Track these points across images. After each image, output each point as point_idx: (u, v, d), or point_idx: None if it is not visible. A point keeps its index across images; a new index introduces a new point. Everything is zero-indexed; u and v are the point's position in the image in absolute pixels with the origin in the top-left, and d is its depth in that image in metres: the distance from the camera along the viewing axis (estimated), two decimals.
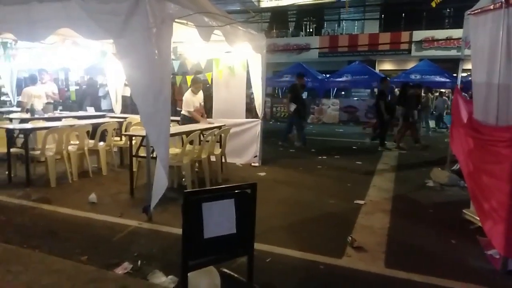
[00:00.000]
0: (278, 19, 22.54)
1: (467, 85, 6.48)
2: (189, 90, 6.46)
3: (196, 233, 2.40)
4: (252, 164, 6.80)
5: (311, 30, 22.51)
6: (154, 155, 3.94)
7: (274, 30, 22.47)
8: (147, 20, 3.52)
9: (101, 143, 6.05)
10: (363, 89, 19.12)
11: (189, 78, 6.72)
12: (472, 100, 4.03)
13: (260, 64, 6.50)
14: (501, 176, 3.04)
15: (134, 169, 5.06)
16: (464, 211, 4.10)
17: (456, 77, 5.14)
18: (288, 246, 3.43)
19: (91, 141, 5.94)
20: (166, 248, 3.31)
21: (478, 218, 3.62)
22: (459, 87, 4.92)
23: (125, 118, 7.19)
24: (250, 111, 8.48)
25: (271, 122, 16.37)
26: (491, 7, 3.51)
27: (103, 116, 7.75)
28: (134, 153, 4.86)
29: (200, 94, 6.49)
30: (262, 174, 6.25)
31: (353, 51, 18.77)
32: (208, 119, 6.60)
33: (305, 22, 22.67)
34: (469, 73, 6.99)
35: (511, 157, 2.89)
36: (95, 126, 5.97)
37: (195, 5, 4.43)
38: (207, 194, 2.48)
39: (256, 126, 6.78)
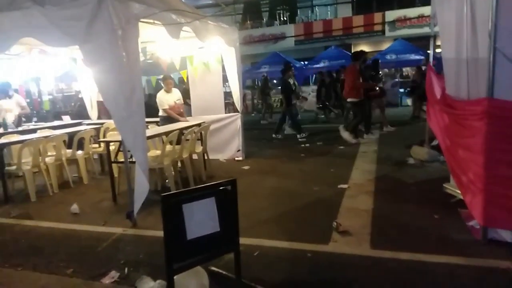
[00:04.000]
0: (251, 10, 22.37)
1: (439, 62, 6.56)
2: (162, 89, 6.37)
3: (179, 235, 2.38)
4: (236, 158, 6.79)
5: (285, 18, 22.44)
6: (133, 160, 3.89)
7: (248, 22, 22.31)
8: (111, 22, 3.44)
9: (80, 152, 5.92)
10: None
11: (153, 79, 6.65)
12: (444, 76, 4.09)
13: (234, 57, 6.44)
14: (475, 149, 3.10)
15: (115, 175, 4.98)
16: (444, 185, 4.18)
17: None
18: (275, 237, 3.44)
19: (69, 151, 5.81)
20: (152, 253, 3.27)
21: (458, 191, 3.70)
22: (431, 64, 4.98)
23: (102, 124, 7.05)
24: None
25: (253, 115, 16.35)
26: None
27: (79, 124, 7.58)
28: (113, 159, 4.77)
29: (175, 92, 6.38)
30: (247, 167, 6.24)
31: (328, 36, 18.80)
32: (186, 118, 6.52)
33: (278, 11, 22.58)
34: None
35: (484, 130, 2.94)
36: (71, 135, 5.84)
37: (162, 3, 4.34)
38: (186, 195, 2.44)
39: (236, 120, 6.74)
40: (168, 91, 6.26)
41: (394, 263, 2.86)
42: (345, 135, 7.81)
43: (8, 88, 7.26)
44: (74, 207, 4.48)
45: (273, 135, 9.29)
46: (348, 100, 7.88)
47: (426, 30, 16.64)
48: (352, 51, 19.62)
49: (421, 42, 15.87)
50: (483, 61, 2.96)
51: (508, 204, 2.92)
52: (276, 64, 16.80)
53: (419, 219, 3.66)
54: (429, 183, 4.73)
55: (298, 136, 8.80)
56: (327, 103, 12.35)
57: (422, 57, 14.61)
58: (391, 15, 18.01)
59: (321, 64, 16.64)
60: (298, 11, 22.16)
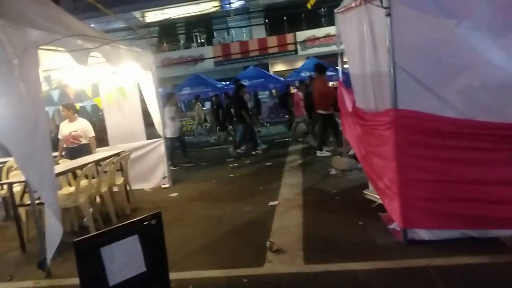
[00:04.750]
0: (167, 33, 22.18)
1: (348, 77, 7.08)
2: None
3: (99, 282, 2.13)
4: (162, 186, 6.48)
5: (202, 40, 22.66)
6: (42, 201, 3.45)
7: (165, 44, 22.04)
8: (4, 51, 3.07)
9: None
10: (261, 91, 19.84)
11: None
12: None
13: (151, 81, 6.21)
14: (387, 156, 3.35)
15: (23, 219, 4.39)
16: (364, 191, 4.44)
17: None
18: (209, 267, 3.29)
19: None
20: None
21: (377, 197, 3.95)
22: (341, 79, 5.35)
23: (3, 163, 6.22)
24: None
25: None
26: (353, 4, 3.86)
27: None
28: (18, 202, 4.20)
29: (79, 121, 5.84)
30: (174, 194, 5.98)
31: (246, 57, 19.44)
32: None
33: (195, 34, 22.73)
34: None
35: (393, 138, 3.19)
36: None
37: (65, 28, 4.03)
38: (104, 237, 2.21)
39: (159, 146, 6.47)
40: (71, 120, 5.77)
41: (326, 276, 2.91)
42: (322, 154, 7.62)
43: None
44: None
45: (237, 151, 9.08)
46: (319, 112, 7.55)
47: (333, 48, 18.05)
48: (270, 70, 20.54)
49: (331, 59, 17.16)
50: (385, 75, 3.23)
51: (421, 205, 3.18)
52: (198, 86, 16.77)
53: (346, 228, 3.81)
54: (351, 191, 5.00)
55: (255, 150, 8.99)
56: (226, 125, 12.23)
57: (333, 73, 15.78)
58: (302, 35, 19.30)
59: (247, 83, 16.90)
60: (215, 33, 22.55)
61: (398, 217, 3.27)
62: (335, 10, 4.57)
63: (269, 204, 4.85)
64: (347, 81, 5.42)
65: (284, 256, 3.32)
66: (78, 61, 3.94)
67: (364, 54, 3.79)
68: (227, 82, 18.32)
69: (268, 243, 3.51)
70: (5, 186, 5.26)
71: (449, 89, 3.04)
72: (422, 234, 3.23)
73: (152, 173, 6.53)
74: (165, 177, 6.51)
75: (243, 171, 7.27)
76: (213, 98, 13.81)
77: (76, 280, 3.21)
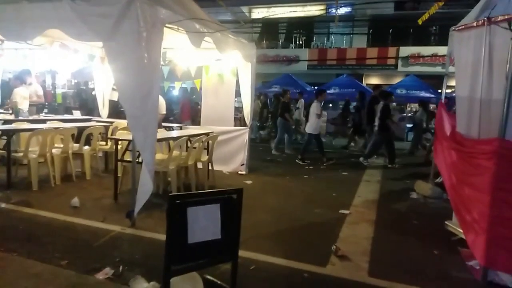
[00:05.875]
0: (269, 31, 22.80)
1: (450, 101, 6.66)
2: None
3: (180, 237, 2.37)
4: (239, 172, 6.79)
5: (300, 42, 22.85)
6: (140, 160, 3.91)
7: (265, 41, 22.71)
8: (137, 24, 3.52)
9: (86, 147, 5.96)
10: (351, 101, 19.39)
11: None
12: (455, 114, 4.14)
13: (249, 72, 6.54)
14: (482, 188, 3.11)
15: (119, 174, 5.00)
16: (446, 222, 4.16)
17: (441, 92, 5.26)
18: (273, 254, 3.41)
19: (76, 145, 5.85)
20: (148, 254, 3.25)
21: (460, 230, 3.68)
22: (443, 102, 5.04)
23: (111, 122, 7.11)
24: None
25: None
26: (474, 24, 3.63)
27: (89, 120, 7.65)
28: (119, 158, 4.79)
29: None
30: (249, 182, 6.24)
31: (341, 64, 19.12)
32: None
33: (295, 35, 23.01)
34: (453, 90, 7.17)
35: (492, 169, 2.96)
36: (81, 130, 5.89)
37: (187, 11, 4.47)
38: (192, 198, 2.45)
39: (244, 135, 6.79)
40: None
41: None
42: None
43: (27, 76, 7.35)
44: (75, 201, 4.48)
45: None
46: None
47: (438, 69, 16.97)
48: (364, 82, 19.94)
49: (432, 80, 16.09)
50: (497, 102, 3.00)
51: (511, 247, 2.90)
52: (287, 85, 17.03)
53: (419, 253, 3.63)
54: (431, 218, 4.70)
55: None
56: None
57: (432, 96, 14.77)
58: (405, 51, 18.32)
59: (331, 91, 16.79)
60: (314, 37, 22.57)
61: (481, 255, 3.02)
62: (452, 28, 4.32)
63: (340, 211, 4.80)
64: (448, 105, 5.12)
65: (349, 263, 3.29)
66: (193, 43, 4.34)
67: (477, 77, 3.54)
68: (316, 87, 18.26)
69: (334, 247, 3.51)
70: (110, 142, 6.04)
71: None
72: (506, 278, 2.95)
73: (232, 158, 6.88)
74: (243, 164, 6.81)
75: (318, 175, 7.25)
76: (261, 97, 13.84)
77: (154, 235, 3.63)
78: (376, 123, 8.51)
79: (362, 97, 11.39)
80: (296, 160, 8.46)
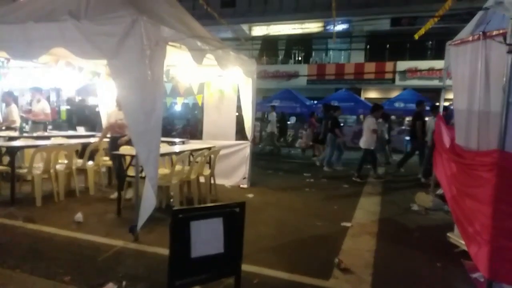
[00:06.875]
0: (268, 47, 23.16)
1: (448, 114, 6.76)
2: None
3: (184, 252, 2.40)
4: (241, 185, 6.81)
5: (299, 58, 23.19)
6: (143, 175, 3.95)
7: (265, 57, 23.01)
8: (141, 42, 3.61)
9: (90, 163, 6.00)
10: (349, 115, 19.51)
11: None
12: (453, 126, 4.19)
13: (250, 88, 6.65)
14: (483, 199, 3.13)
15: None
16: (448, 234, 4.16)
17: (438, 106, 5.33)
18: (275, 267, 3.41)
19: (80, 160, 5.89)
20: (152, 269, 3.26)
21: (462, 242, 3.68)
22: (441, 114, 5.11)
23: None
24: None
25: (259, 146, 16.46)
26: (470, 38, 3.72)
27: (92, 136, 7.71)
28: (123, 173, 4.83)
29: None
30: (251, 195, 6.25)
31: (340, 79, 19.34)
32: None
33: (294, 51, 23.36)
34: (450, 103, 7.28)
35: (493, 181, 2.98)
36: (85, 145, 5.94)
37: (189, 29, 4.58)
38: (195, 212, 2.49)
39: (245, 149, 6.84)
40: (120, 108, 5.43)
41: None
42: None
43: (37, 93, 7.44)
44: (78, 216, 4.50)
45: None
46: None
47: (435, 82, 17.15)
48: (362, 96, 20.13)
49: (428, 94, 16.23)
50: (495, 115, 3.06)
51: None
52: (286, 100, 17.20)
53: (422, 266, 3.63)
54: (433, 230, 4.71)
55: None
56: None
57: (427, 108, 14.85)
58: (403, 65, 18.59)
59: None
60: (313, 53, 22.89)
61: (485, 267, 3.02)
62: (449, 42, 4.42)
63: (342, 224, 4.81)
64: (446, 117, 5.18)
65: (352, 276, 3.29)
66: (195, 60, 4.43)
67: (474, 90, 3.60)
68: (316, 102, 18.42)
69: (337, 259, 3.51)
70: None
71: None
72: None
73: (234, 171, 6.91)
74: (244, 178, 6.85)
75: (319, 187, 7.28)
76: (280, 113, 14.59)
77: (158, 249, 3.64)
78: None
79: (327, 109, 11.30)
80: (353, 178, 8.12)
